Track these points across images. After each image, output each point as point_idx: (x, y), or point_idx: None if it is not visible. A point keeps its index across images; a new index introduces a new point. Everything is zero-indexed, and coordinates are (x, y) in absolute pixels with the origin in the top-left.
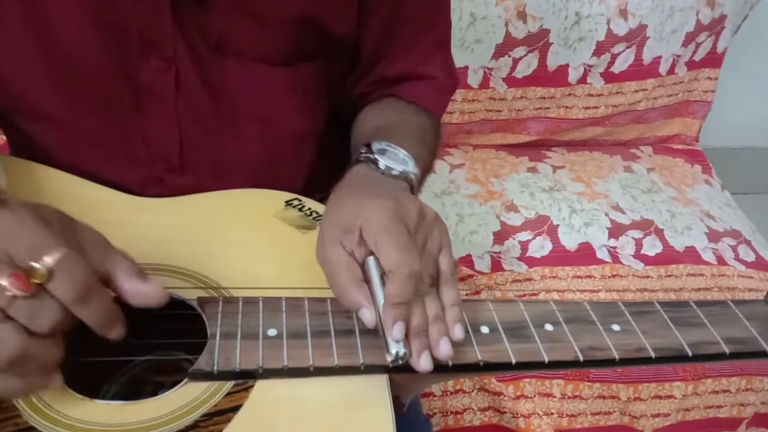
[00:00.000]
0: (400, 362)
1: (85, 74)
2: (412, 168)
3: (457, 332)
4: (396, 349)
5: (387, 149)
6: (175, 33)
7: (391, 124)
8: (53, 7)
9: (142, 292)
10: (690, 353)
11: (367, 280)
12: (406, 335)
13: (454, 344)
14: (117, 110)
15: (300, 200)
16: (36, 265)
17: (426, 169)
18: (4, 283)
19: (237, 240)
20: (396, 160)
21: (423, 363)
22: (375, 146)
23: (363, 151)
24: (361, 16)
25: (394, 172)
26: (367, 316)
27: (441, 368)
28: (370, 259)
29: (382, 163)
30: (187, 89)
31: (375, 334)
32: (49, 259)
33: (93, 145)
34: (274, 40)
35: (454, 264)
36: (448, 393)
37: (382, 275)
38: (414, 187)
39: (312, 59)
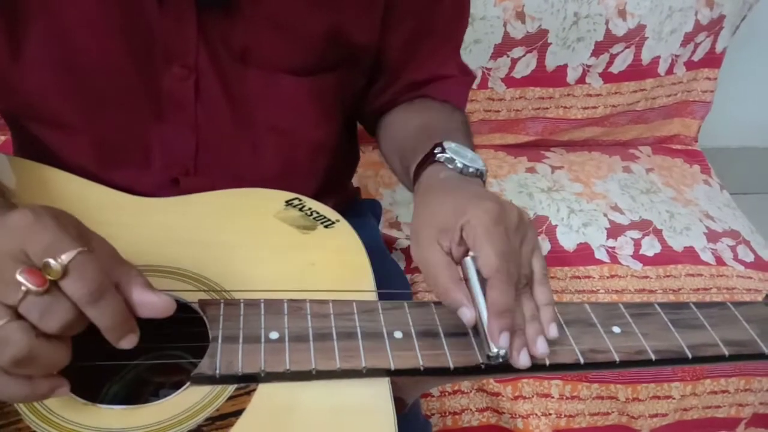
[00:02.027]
0: (500, 360)
1: (105, 82)
2: (482, 165)
3: (552, 331)
4: (497, 349)
5: (458, 149)
6: (199, 42)
7: (441, 124)
8: (75, 17)
9: (150, 303)
10: (690, 355)
11: (464, 279)
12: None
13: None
14: (136, 118)
15: (300, 200)
16: (51, 261)
17: None
18: (19, 278)
19: (237, 241)
20: (467, 158)
21: (522, 360)
22: (447, 145)
23: (436, 151)
24: (386, 28)
25: (471, 170)
26: (467, 315)
27: (443, 371)
28: (469, 260)
29: (459, 161)
30: (207, 97)
31: (376, 338)
32: (64, 257)
33: (109, 152)
34: (298, 52)
35: (545, 265)
36: (447, 393)
37: (479, 274)
38: (485, 183)
39: (333, 70)
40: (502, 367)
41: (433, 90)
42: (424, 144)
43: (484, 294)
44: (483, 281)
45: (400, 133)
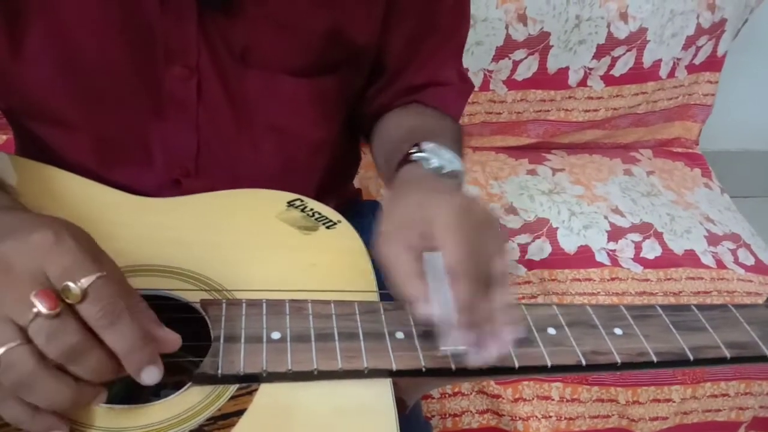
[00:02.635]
0: (458, 358)
1: (106, 81)
2: (459, 166)
3: (512, 332)
4: (453, 345)
5: (435, 149)
6: (200, 42)
7: (427, 127)
8: (75, 16)
9: (163, 337)
10: (691, 357)
11: (425, 274)
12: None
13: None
14: (137, 117)
15: (302, 201)
16: (71, 285)
17: None
18: (33, 299)
19: (239, 241)
20: (444, 159)
21: (476, 360)
22: (424, 145)
23: (413, 151)
24: (386, 28)
25: (445, 171)
26: (422, 310)
27: (444, 372)
28: (427, 254)
29: (435, 161)
30: (208, 98)
31: (378, 338)
32: (84, 281)
33: (110, 151)
34: (299, 52)
35: (506, 269)
36: (447, 395)
37: (439, 270)
38: (462, 185)
39: (334, 71)
40: (504, 369)
41: (427, 96)
42: (406, 145)
43: (444, 293)
44: (441, 278)
45: (389, 136)
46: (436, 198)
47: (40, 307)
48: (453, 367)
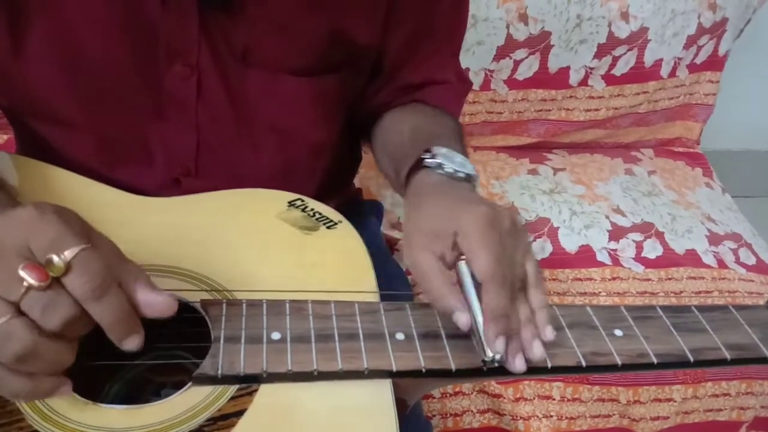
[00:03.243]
0: (496, 365)
1: (108, 80)
2: (471, 169)
3: (548, 334)
4: (492, 353)
5: (448, 154)
6: (201, 41)
7: (430, 128)
8: (78, 14)
9: (154, 302)
10: (692, 359)
11: (459, 283)
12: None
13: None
14: (138, 115)
15: (303, 201)
16: (54, 257)
17: None
18: (21, 273)
19: (240, 241)
20: (457, 163)
21: (518, 364)
22: (437, 150)
23: (425, 156)
24: (385, 29)
25: (460, 175)
26: (462, 320)
27: (444, 373)
28: (463, 264)
29: (449, 166)
30: (208, 96)
31: (378, 339)
32: (67, 253)
33: (111, 149)
34: (301, 52)
35: (539, 268)
36: (448, 395)
37: (473, 278)
38: (475, 188)
39: (335, 71)
40: (504, 370)
41: (426, 95)
42: (414, 149)
43: (479, 298)
44: (477, 286)
45: (392, 138)
46: (463, 208)
47: (30, 280)
48: (453, 369)
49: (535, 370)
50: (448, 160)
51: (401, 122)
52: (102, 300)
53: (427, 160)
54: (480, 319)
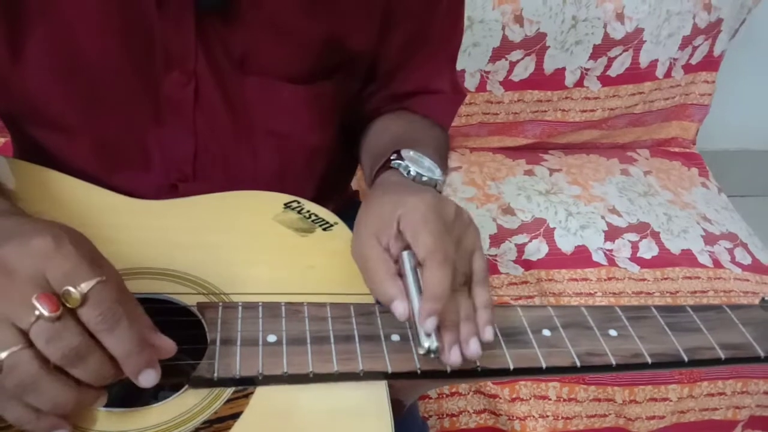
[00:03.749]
0: (432, 355)
1: (106, 86)
2: (438, 176)
3: (487, 334)
4: (428, 342)
5: (415, 157)
6: (198, 48)
7: (411, 135)
8: (76, 20)
9: (159, 344)
10: (686, 359)
11: (401, 274)
12: (438, 329)
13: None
14: (136, 121)
15: (299, 202)
16: (71, 289)
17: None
18: (35, 302)
19: (236, 243)
20: (423, 167)
21: (453, 357)
22: (404, 153)
23: (393, 157)
24: (383, 33)
25: (424, 179)
26: (399, 309)
27: (440, 374)
28: (405, 253)
29: (413, 169)
30: (206, 103)
31: (373, 341)
32: (84, 286)
33: (109, 154)
34: (297, 59)
35: (487, 266)
36: (444, 395)
37: (416, 268)
38: (439, 193)
39: (331, 77)
40: (500, 371)
41: (416, 104)
42: (387, 153)
43: (420, 291)
44: (419, 277)
45: (374, 142)
46: (408, 198)
47: (42, 310)
48: (448, 370)
49: (529, 370)
50: (414, 163)
51: (385, 128)
52: (116, 330)
53: (393, 161)
54: (418, 311)
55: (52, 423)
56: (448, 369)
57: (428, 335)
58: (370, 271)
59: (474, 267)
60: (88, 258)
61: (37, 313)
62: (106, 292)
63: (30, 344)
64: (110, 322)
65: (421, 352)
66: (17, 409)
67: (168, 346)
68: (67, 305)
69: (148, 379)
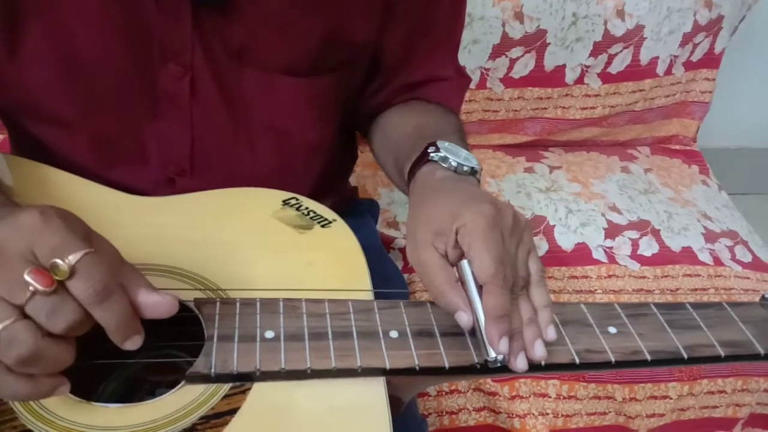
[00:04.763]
0: (498, 365)
1: (103, 80)
2: (476, 163)
3: (550, 333)
4: (495, 354)
5: (451, 148)
6: (195, 41)
7: (435, 126)
8: (73, 14)
9: (155, 303)
10: (686, 356)
11: (461, 282)
12: None
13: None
14: (133, 115)
15: (297, 199)
16: (59, 262)
17: None
18: (27, 278)
19: (234, 240)
20: (461, 158)
21: (520, 364)
22: (441, 144)
23: (430, 150)
24: (385, 27)
25: (465, 169)
26: (464, 319)
27: (438, 371)
28: (465, 263)
29: (454, 160)
30: (202, 96)
31: (372, 337)
32: (71, 258)
33: (106, 149)
34: (296, 52)
35: (543, 266)
36: (443, 393)
37: (475, 277)
38: (480, 182)
39: (330, 71)
40: (498, 368)
41: (427, 92)
42: (418, 144)
43: (481, 297)
44: (479, 284)
45: (395, 134)
46: (466, 206)
47: (36, 285)
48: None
49: (529, 367)
50: (452, 154)
51: (404, 120)
52: (105, 303)
53: (432, 154)
54: (482, 318)
55: (53, 383)
56: (447, 365)
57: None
58: (430, 278)
59: (531, 269)
60: (79, 232)
61: (32, 288)
62: (94, 264)
63: (24, 316)
64: (100, 294)
65: (491, 361)
66: (13, 383)
67: (167, 303)
68: (56, 278)
69: (132, 344)
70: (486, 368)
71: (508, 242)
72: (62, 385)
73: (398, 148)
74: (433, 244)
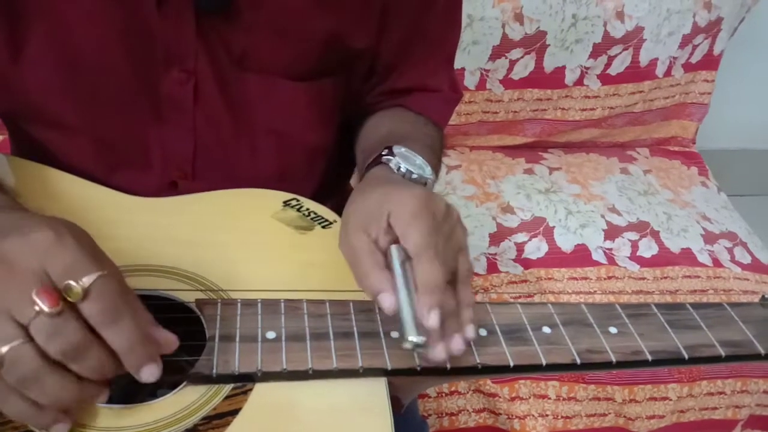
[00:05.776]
0: (419, 350)
1: (106, 85)
2: (429, 174)
3: (469, 332)
4: (415, 338)
5: (406, 154)
6: (198, 46)
7: (404, 131)
8: (76, 19)
9: (161, 338)
10: (686, 356)
11: (389, 268)
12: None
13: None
14: (136, 120)
15: (298, 200)
16: (73, 284)
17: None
18: (34, 297)
19: (235, 241)
20: (414, 164)
21: (438, 352)
22: (396, 149)
23: (384, 153)
24: (380, 31)
25: (414, 176)
26: (387, 302)
27: (439, 371)
28: (394, 247)
29: (403, 166)
30: (206, 101)
31: (373, 338)
32: (85, 280)
33: (109, 153)
34: (297, 57)
35: (471, 267)
36: (443, 394)
37: (404, 263)
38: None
39: (331, 75)
40: (499, 369)
41: (411, 101)
42: (380, 148)
43: (407, 285)
44: (407, 271)
45: (368, 137)
46: (397, 192)
47: (42, 305)
48: (448, 366)
49: (529, 367)
50: (405, 159)
51: (378, 124)
52: (117, 325)
53: (384, 156)
54: (405, 304)
55: (54, 417)
56: (448, 366)
57: (426, 328)
58: (357, 262)
59: (459, 266)
60: (90, 252)
61: (36, 308)
62: (107, 286)
63: (31, 338)
64: (112, 315)
65: (408, 346)
66: (18, 403)
67: (169, 340)
68: (69, 299)
69: (149, 373)
70: (487, 369)
71: (441, 225)
72: (62, 423)
73: (365, 149)
74: (365, 230)
